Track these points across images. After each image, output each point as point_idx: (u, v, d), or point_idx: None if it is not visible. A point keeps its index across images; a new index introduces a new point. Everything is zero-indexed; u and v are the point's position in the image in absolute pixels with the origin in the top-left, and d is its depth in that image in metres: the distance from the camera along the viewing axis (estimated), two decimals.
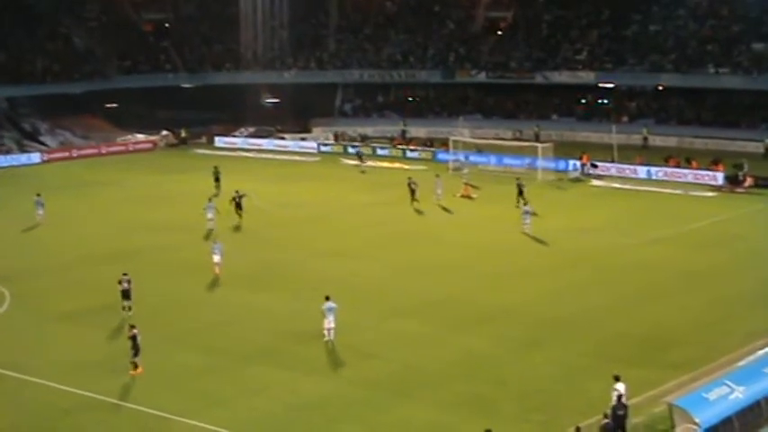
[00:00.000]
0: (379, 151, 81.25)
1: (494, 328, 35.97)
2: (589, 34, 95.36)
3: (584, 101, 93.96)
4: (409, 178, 60.28)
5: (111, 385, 30.58)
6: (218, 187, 63.43)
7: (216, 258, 42.89)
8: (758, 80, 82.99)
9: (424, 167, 72.53)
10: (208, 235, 51.03)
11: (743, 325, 35.67)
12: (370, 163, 75.68)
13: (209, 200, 52.98)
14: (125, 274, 38.05)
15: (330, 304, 34.12)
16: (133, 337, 31.62)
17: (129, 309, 37.64)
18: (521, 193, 57.75)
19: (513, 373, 31.51)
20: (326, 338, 34.10)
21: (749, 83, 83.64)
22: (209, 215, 52.43)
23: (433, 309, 38.32)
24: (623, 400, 26.33)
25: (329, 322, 34.03)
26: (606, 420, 25.39)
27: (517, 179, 60.27)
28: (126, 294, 37.78)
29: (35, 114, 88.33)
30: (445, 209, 57.22)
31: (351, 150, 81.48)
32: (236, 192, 53.97)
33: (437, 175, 60.81)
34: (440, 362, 32.56)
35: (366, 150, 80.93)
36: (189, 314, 38.26)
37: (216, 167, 65.89)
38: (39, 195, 55.43)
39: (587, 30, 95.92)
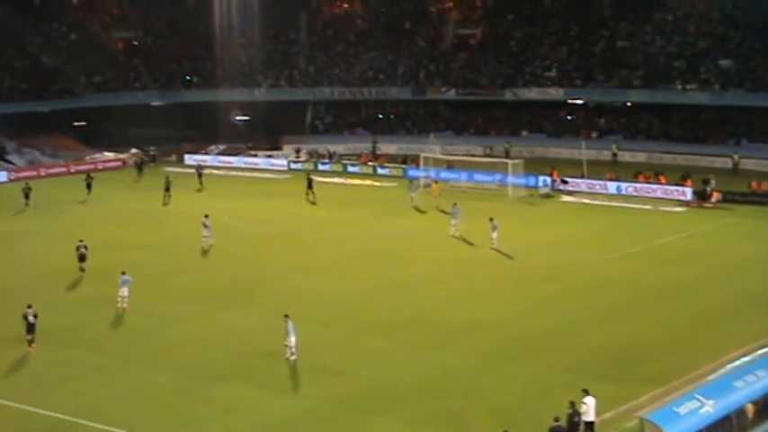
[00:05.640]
0: (350, 168, 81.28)
1: (465, 343, 35.95)
2: (558, 51, 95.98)
3: (553, 117, 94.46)
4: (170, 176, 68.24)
5: (80, 406, 30.27)
6: (168, 197, 66.67)
7: (123, 292, 40.30)
8: (724, 96, 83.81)
9: (394, 184, 72.57)
10: (206, 252, 51.22)
11: (713, 339, 35.91)
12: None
13: (206, 216, 52.64)
14: (81, 241, 46.12)
15: (290, 323, 33.88)
16: (25, 316, 35.07)
17: (83, 270, 45.58)
18: (310, 185, 66.39)
19: (485, 388, 31.52)
20: (291, 356, 33.79)
21: (716, 99, 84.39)
22: (205, 232, 51.93)
23: (403, 325, 38.25)
24: (587, 417, 26.74)
25: (291, 340, 33.79)
26: (556, 423, 25.56)
27: (308, 174, 69.73)
28: (82, 258, 45.74)
29: (2, 133, 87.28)
30: (465, 240, 53.08)
31: (321, 167, 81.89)
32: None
33: (454, 204, 55.73)
34: (411, 378, 32.50)
35: (337, 167, 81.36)
36: (159, 332, 37.95)
37: (167, 177, 68.05)
38: None
39: (556, 46, 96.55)
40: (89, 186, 69.36)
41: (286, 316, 34.08)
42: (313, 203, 65.54)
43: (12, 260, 50.83)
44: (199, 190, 70.88)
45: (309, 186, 66.83)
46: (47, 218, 62.14)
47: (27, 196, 65.26)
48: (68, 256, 46.84)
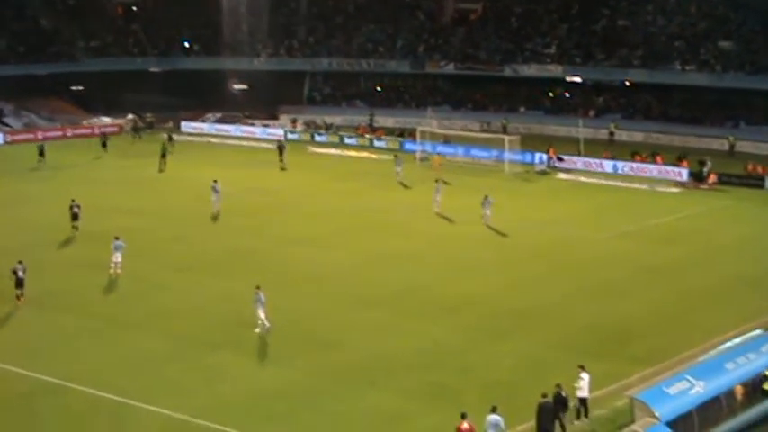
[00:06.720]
0: (347, 140, 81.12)
1: (458, 318, 36.01)
2: (558, 28, 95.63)
3: (551, 94, 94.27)
4: None
5: (71, 369, 30.32)
6: (164, 163, 66.85)
7: (117, 257, 40.12)
8: (724, 78, 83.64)
9: (391, 157, 72.38)
10: (215, 216, 51.58)
11: (705, 320, 35.98)
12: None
13: (215, 181, 52.80)
14: (73, 200, 47.12)
15: (261, 294, 33.83)
16: (15, 271, 36.13)
17: (76, 228, 46.58)
18: (281, 153, 68.98)
19: (477, 363, 31.58)
20: (262, 329, 33.72)
21: (715, 80, 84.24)
22: (214, 197, 52.26)
23: (397, 298, 38.28)
24: (582, 393, 26.99)
25: (261, 312, 33.76)
26: (544, 399, 25.62)
27: (279, 142, 73.86)
28: (75, 217, 46.75)
29: None
30: (444, 217, 52.92)
31: (318, 138, 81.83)
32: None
33: (436, 180, 56.32)
34: (402, 351, 32.54)
35: (334, 139, 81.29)
36: (151, 299, 37.97)
37: (164, 143, 68.96)
38: None
39: (557, 23, 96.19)
40: (104, 145, 72.22)
41: (257, 287, 34.03)
42: (283, 170, 67.66)
43: (8, 221, 50.84)
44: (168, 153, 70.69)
45: (280, 153, 68.78)
46: (43, 181, 62.13)
47: (42, 153, 67.24)
48: (63, 219, 46.93)
